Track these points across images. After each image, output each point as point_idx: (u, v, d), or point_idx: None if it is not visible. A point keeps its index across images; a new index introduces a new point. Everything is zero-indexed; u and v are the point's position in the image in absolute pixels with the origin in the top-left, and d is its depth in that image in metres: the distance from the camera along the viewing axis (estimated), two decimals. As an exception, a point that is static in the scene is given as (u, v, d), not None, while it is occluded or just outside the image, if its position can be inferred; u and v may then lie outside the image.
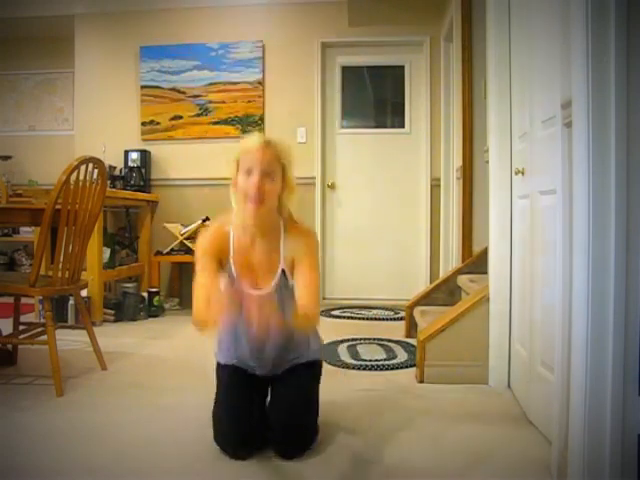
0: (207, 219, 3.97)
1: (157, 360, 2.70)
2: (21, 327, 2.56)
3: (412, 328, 3.10)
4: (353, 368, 2.53)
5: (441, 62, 4.16)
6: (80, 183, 2.20)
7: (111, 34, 4.50)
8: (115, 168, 4.24)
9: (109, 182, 3.88)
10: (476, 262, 2.96)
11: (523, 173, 2.04)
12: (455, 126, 3.72)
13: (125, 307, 3.66)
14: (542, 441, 1.68)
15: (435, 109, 4.22)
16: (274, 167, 1.55)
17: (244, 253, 1.63)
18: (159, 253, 4.10)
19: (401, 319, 3.48)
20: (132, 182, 4.21)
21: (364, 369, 2.52)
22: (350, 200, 4.42)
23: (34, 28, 4.82)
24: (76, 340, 2.85)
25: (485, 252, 2.53)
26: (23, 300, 2.58)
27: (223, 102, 4.35)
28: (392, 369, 2.52)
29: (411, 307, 3.16)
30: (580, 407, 1.28)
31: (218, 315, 1.36)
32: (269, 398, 1.72)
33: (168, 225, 4.11)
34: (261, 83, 4.33)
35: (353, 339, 3.07)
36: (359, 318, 3.80)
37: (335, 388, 2.10)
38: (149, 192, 4.33)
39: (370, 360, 2.65)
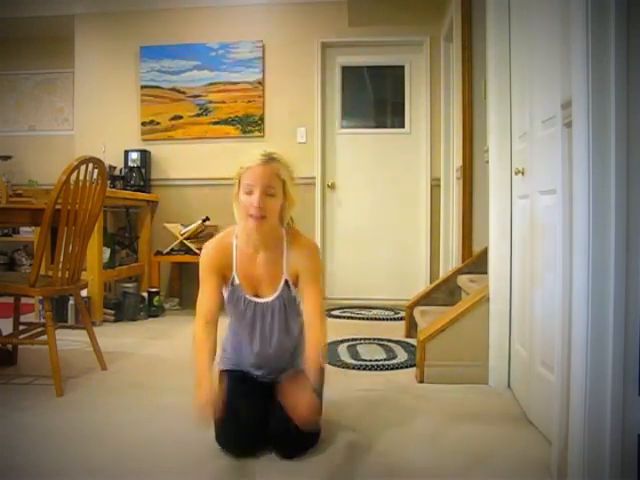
0: (207, 219, 3.98)
1: (157, 360, 2.70)
2: (21, 327, 2.56)
3: (412, 328, 3.10)
4: (353, 368, 2.53)
5: (441, 62, 4.16)
6: (80, 183, 2.20)
7: (111, 34, 4.50)
8: (115, 168, 4.24)
9: (109, 182, 3.88)
10: (476, 262, 2.96)
11: (523, 173, 2.04)
12: (455, 126, 3.71)
13: (125, 307, 3.66)
14: (542, 441, 1.68)
15: (435, 109, 4.22)
16: (274, 183, 1.58)
17: (247, 264, 1.67)
18: (159, 253, 4.10)
19: (401, 319, 3.48)
20: (132, 182, 4.21)
21: (364, 369, 2.52)
22: (350, 200, 4.41)
23: (34, 28, 4.82)
24: (76, 340, 2.85)
25: (485, 252, 2.54)
26: (23, 300, 2.58)
27: (223, 102, 4.35)
28: (392, 369, 2.52)
29: (411, 307, 3.16)
30: (580, 407, 1.28)
31: (208, 407, 1.37)
32: (271, 400, 1.71)
33: (168, 225, 4.11)
34: (261, 83, 4.33)
35: (353, 339, 3.07)
36: (359, 318, 3.80)
37: (335, 388, 2.09)
38: (149, 192, 4.33)
39: (370, 360, 2.65)
